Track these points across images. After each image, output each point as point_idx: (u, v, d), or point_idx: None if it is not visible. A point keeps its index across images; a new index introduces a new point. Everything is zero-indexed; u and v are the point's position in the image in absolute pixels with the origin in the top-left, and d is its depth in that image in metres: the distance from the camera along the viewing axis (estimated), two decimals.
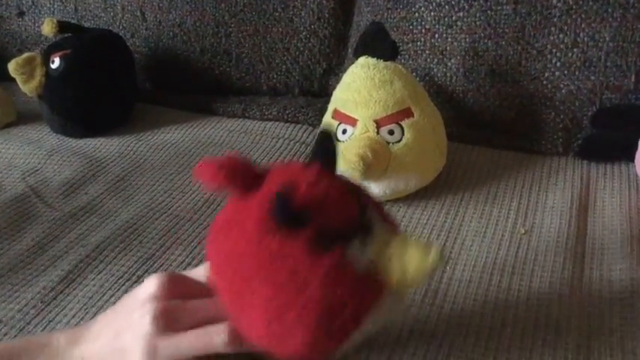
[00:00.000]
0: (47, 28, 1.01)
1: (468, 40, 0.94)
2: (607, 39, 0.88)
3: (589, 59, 0.89)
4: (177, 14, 1.12)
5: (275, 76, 1.12)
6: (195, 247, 0.75)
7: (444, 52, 0.96)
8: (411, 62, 0.98)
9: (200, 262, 0.72)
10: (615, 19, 0.87)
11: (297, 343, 0.46)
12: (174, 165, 0.93)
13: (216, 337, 0.48)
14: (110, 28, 1.15)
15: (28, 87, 1.01)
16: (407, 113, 0.80)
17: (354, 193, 0.48)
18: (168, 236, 0.77)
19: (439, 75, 0.97)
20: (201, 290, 0.52)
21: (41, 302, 0.67)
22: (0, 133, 1.04)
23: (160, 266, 0.72)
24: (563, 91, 0.91)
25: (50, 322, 0.64)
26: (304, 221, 0.45)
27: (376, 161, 0.76)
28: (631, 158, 0.85)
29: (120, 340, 0.50)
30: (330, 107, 0.85)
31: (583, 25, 0.89)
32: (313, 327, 0.45)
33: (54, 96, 1.01)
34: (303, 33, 1.09)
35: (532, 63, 0.92)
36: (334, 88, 0.87)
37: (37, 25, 1.21)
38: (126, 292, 0.68)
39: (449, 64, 0.96)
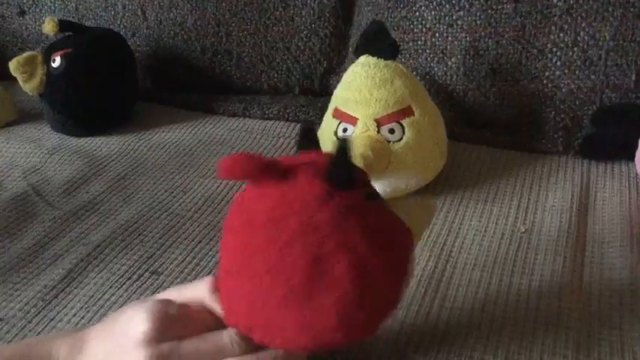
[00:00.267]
0: (48, 27, 1.01)
1: (468, 39, 0.94)
2: (607, 38, 0.88)
3: (589, 58, 0.89)
4: (178, 13, 1.13)
5: (276, 75, 1.12)
6: (196, 246, 0.75)
7: (445, 51, 0.96)
8: (411, 61, 0.98)
9: (201, 261, 0.73)
10: (616, 18, 0.87)
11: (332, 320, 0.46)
12: (175, 164, 0.93)
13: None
14: (111, 27, 1.15)
15: (29, 86, 1.01)
16: (407, 112, 0.80)
17: None
18: (169, 235, 0.77)
19: (439, 74, 0.97)
20: (196, 321, 0.50)
21: (42, 301, 0.67)
22: (1, 132, 1.04)
23: (161, 265, 0.72)
24: (563, 90, 0.91)
25: (51, 320, 0.64)
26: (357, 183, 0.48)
27: (377, 160, 0.76)
28: (631, 157, 0.85)
29: None
30: (331, 106, 0.85)
31: (583, 25, 0.89)
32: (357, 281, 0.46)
33: (55, 95, 1.01)
34: (304, 32, 1.09)
35: (532, 62, 0.92)
36: (335, 87, 0.87)
37: (38, 24, 1.21)
38: (126, 290, 0.68)
39: (449, 63, 0.96)
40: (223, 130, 1.03)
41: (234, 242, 0.49)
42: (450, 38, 0.95)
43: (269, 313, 0.47)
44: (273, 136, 1.00)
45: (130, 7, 1.15)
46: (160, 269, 0.72)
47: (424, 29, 0.97)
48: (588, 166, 0.88)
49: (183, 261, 0.73)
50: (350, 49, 1.07)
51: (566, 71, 0.90)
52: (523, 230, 0.75)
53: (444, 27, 0.95)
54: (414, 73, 0.95)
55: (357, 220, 0.46)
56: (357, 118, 0.80)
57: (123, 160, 0.95)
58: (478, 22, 0.93)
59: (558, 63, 0.90)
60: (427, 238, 0.75)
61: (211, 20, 1.11)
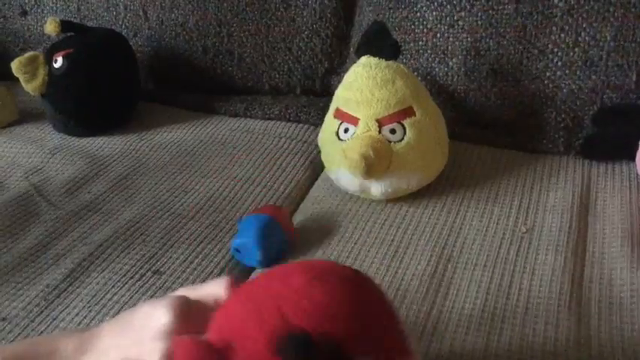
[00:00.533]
0: (50, 28, 1.01)
1: (469, 39, 0.94)
2: (608, 38, 0.88)
3: (590, 59, 0.89)
4: (180, 13, 1.13)
5: (277, 75, 1.12)
6: (198, 246, 0.75)
7: (446, 52, 0.96)
8: (412, 62, 0.98)
9: (202, 260, 0.73)
10: (616, 19, 0.87)
11: None
12: (177, 164, 0.93)
13: None
14: (113, 27, 1.15)
15: (31, 86, 1.01)
16: (409, 112, 0.81)
17: None
18: (170, 235, 0.77)
19: (441, 74, 0.97)
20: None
21: (45, 300, 0.67)
22: (3, 132, 1.04)
23: (163, 264, 0.72)
24: (564, 90, 0.91)
25: (54, 319, 0.65)
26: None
27: (378, 160, 0.77)
28: (632, 157, 0.85)
29: None
30: (332, 106, 0.86)
31: (584, 25, 0.89)
32: None
33: (57, 95, 1.01)
34: (305, 32, 1.09)
35: (533, 62, 0.92)
36: (336, 87, 0.87)
37: (39, 24, 1.21)
38: (129, 290, 0.69)
39: (450, 63, 0.96)
40: (225, 130, 1.03)
41: None
42: (451, 39, 0.95)
43: None
44: (274, 137, 1.00)
45: (132, 7, 1.15)
46: (162, 269, 0.72)
47: (425, 30, 0.97)
48: (589, 167, 0.88)
49: (185, 260, 0.73)
50: (351, 49, 1.07)
51: (567, 72, 0.90)
52: (524, 230, 0.75)
53: (445, 27, 0.95)
54: (415, 73, 0.96)
55: None
56: (359, 119, 0.80)
57: (125, 160, 0.95)
58: (479, 22, 0.93)
59: (559, 63, 0.91)
60: (428, 237, 0.75)
61: (213, 20, 1.11)
